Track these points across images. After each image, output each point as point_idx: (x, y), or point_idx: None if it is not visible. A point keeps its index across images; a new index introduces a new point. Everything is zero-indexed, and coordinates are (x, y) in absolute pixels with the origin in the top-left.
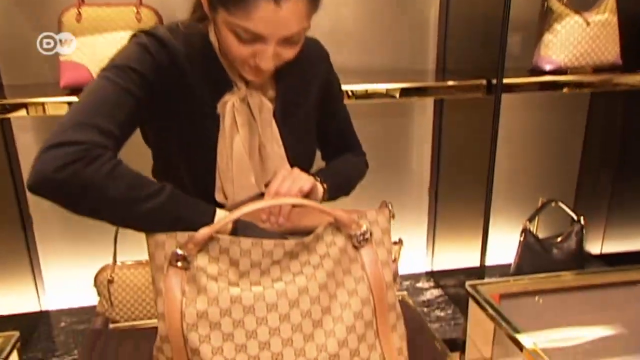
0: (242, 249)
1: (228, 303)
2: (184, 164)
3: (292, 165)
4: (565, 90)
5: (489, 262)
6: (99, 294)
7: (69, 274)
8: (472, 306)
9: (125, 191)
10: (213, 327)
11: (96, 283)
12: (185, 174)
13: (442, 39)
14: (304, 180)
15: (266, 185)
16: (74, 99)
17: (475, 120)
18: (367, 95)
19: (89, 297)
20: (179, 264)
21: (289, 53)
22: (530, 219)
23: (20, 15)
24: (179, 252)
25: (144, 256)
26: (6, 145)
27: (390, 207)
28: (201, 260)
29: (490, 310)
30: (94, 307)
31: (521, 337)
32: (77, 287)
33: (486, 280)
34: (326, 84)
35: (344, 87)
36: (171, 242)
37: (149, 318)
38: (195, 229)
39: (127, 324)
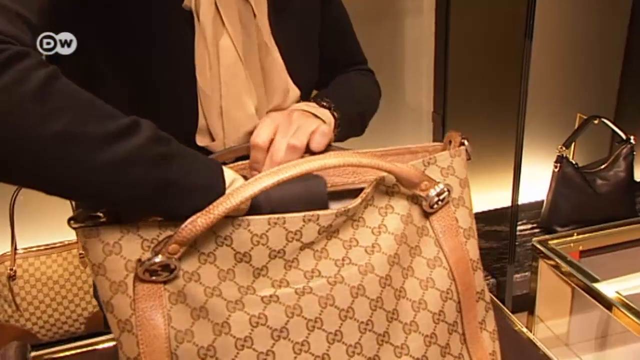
0: (255, 233)
1: (247, 327)
2: (140, 94)
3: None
4: None
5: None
6: None
7: None
8: (543, 267)
9: (71, 123)
10: None
11: None
12: (142, 110)
13: None
14: (313, 127)
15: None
16: None
17: (496, 16)
18: None
19: None
20: (155, 276)
21: None
22: (566, 144)
23: None
24: (156, 259)
25: (57, 238)
26: None
27: (466, 145)
28: (188, 264)
29: (570, 269)
30: None
31: (602, 287)
32: None
33: (559, 233)
34: None
35: None
36: (132, 241)
37: (88, 328)
38: (190, 203)
39: (57, 348)
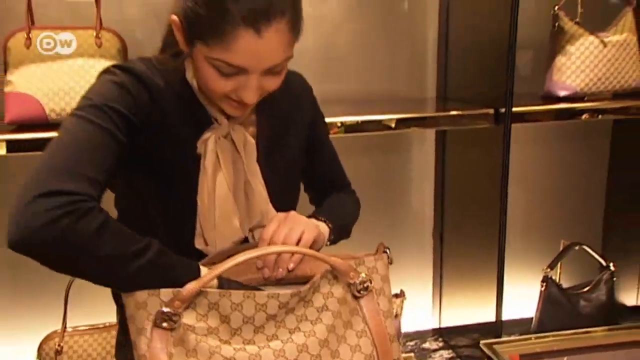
0: (233, 302)
1: None
2: (160, 208)
3: (275, 209)
4: (584, 117)
5: (507, 316)
6: None
7: (6, 342)
8: None
9: (114, 248)
10: None
11: (40, 354)
12: (161, 219)
13: (442, 64)
14: (305, 227)
15: (251, 230)
16: (21, 136)
17: (482, 153)
18: (359, 127)
19: None
20: (165, 324)
21: (273, 84)
22: (552, 266)
23: None
24: (165, 310)
25: (100, 319)
26: None
27: (388, 252)
28: (188, 318)
29: None
30: None
31: None
32: (15, 357)
33: (504, 338)
34: (312, 120)
35: (334, 119)
36: (154, 301)
37: None
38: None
39: None
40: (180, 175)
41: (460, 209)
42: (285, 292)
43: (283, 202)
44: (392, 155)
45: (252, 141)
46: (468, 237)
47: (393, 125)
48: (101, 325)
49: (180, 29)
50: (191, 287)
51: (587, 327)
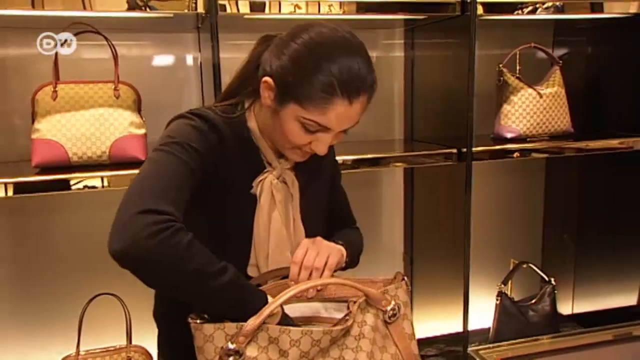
0: (292, 338)
1: None
2: (217, 241)
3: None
4: (515, 155)
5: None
6: None
7: None
8: None
9: (200, 264)
10: None
11: None
12: (217, 250)
13: (408, 111)
14: (330, 251)
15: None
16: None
17: (444, 187)
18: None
19: None
20: (231, 358)
21: (339, 138)
22: (504, 282)
23: None
24: (231, 346)
25: (112, 342)
26: None
27: (406, 279)
28: (251, 351)
29: None
30: None
31: None
32: None
33: (493, 344)
34: (332, 164)
35: None
36: (220, 334)
37: None
38: (247, 315)
39: None
40: (236, 211)
41: (427, 235)
42: (336, 328)
43: (312, 234)
44: (366, 190)
45: (297, 183)
46: (434, 259)
47: (367, 163)
48: (112, 348)
49: (274, 89)
50: (253, 322)
51: (536, 335)
